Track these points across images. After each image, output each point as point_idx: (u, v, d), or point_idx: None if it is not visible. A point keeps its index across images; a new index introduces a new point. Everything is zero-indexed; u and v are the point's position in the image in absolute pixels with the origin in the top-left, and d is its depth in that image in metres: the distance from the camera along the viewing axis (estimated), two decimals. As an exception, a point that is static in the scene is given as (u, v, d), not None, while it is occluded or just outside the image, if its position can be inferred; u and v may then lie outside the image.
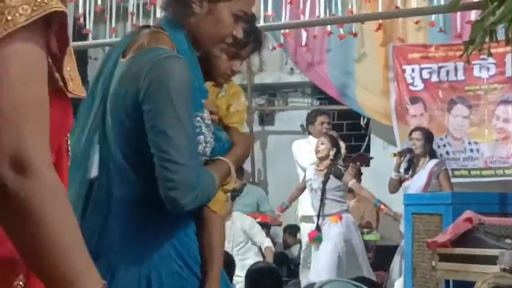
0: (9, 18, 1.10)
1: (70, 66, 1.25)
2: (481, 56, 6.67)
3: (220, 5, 2.05)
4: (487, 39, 4.83)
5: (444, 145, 7.99)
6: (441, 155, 7.59)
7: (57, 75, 1.23)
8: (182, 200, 1.93)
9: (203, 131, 2.04)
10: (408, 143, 6.94)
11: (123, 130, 2.00)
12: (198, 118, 2.03)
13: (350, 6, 7.41)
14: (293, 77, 9.60)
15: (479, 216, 4.25)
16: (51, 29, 1.16)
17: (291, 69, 9.55)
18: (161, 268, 2.01)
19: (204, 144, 2.05)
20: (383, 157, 7.90)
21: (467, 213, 4.25)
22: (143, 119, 1.93)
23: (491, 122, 7.83)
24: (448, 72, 8.05)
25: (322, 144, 6.53)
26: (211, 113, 2.14)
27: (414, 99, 8.19)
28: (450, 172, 7.06)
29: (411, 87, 8.21)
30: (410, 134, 6.88)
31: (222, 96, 2.33)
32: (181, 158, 1.91)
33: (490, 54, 5.23)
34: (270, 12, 7.40)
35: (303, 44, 8.34)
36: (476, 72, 7.88)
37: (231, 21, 2.08)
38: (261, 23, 6.60)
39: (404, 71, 8.22)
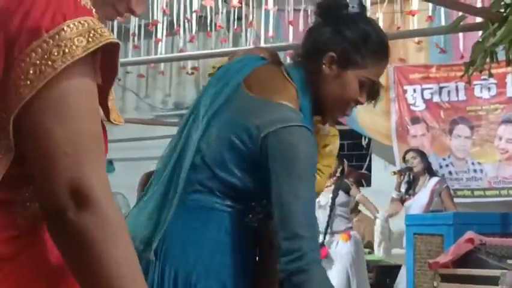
0: (66, 50, 1.09)
1: (111, 96, 1.26)
2: (482, 77, 6.66)
3: (349, 71, 2.08)
4: (487, 60, 4.84)
5: (447, 165, 7.98)
6: (443, 175, 7.58)
7: None
8: (285, 266, 1.90)
9: None
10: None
11: (227, 154, 1.99)
12: None
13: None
14: (295, 97, 9.59)
15: (480, 236, 4.23)
16: (96, 58, 1.15)
17: (293, 89, 9.55)
18: (211, 280, 1.98)
19: None
20: (384, 177, 7.88)
21: (469, 234, 4.23)
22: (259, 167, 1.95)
23: (494, 142, 7.82)
24: (449, 92, 8.05)
25: None
26: None
27: (416, 120, 8.18)
28: (453, 192, 7.05)
29: (412, 108, 8.21)
30: (404, 157, 6.91)
31: (323, 135, 2.31)
32: (302, 229, 1.90)
33: (490, 75, 5.22)
34: (270, 33, 7.43)
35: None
36: (477, 92, 7.87)
37: (357, 88, 2.10)
38: (262, 44, 6.62)
39: (405, 91, 8.22)
